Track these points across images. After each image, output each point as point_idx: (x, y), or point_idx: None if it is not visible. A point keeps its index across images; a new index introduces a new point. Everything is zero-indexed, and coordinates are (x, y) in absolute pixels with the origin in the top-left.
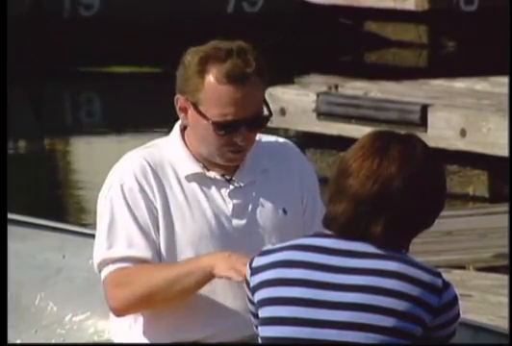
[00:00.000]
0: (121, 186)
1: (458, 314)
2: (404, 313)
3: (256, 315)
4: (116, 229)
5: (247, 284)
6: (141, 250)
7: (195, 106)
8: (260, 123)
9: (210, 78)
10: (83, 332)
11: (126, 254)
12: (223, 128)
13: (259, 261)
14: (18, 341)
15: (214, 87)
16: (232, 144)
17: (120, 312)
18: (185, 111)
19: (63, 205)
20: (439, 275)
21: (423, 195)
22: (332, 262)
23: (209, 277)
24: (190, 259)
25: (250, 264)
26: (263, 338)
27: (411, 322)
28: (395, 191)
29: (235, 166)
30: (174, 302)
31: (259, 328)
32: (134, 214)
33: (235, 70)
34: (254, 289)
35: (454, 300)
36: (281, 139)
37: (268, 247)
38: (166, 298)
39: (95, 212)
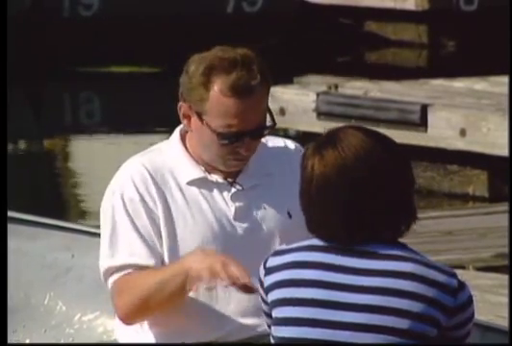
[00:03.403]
0: (122, 196)
1: (473, 314)
2: (419, 315)
3: (269, 315)
4: (118, 238)
5: (261, 284)
6: (143, 258)
7: (199, 115)
8: (263, 133)
9: (215, 89)
10: (92, 331)
11: (128, 262)
12: (227, 138)
13: (273, 262)
14: (28, 341)
15: (218, 99)
16: (235, 153)
17: (127, 320)
18: (188, 118)
19: (62, 205)
20: (454, 275)
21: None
22: (346, 263)
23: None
24: (179, 259)
25: (264, 264)
26: (276, 338)
27: (426, 323)
28: (354, 182)
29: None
30: (170, 305)
31: (272, 328)
32: (135, 224)
33: (240, 83)
34: (268, 290)
35: (469, 300)
36: (286, 141)
37: (282, 247)
38: (161, 301)
39: (95, 212)
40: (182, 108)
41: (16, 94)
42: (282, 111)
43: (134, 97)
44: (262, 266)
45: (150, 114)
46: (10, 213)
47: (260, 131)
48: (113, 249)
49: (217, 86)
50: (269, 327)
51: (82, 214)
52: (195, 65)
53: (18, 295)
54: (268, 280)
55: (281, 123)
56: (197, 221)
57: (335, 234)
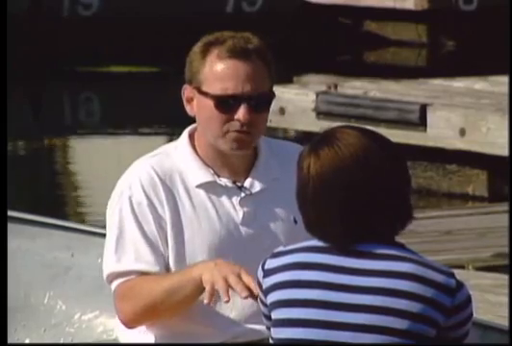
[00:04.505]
0: (130, 199)
1: (471, 314)
2: (418, 315)
3: (268, 317)
4: (125, 243)
5: (260, 285)
6: (149, 264)
7: (199, 89)
8: (262, 103)
9: (212, 56)
10: (92, 330)
11: (134, 267)
12: (224, 102)
13: (271, 264)
14: (27, 340)
15: (215, 63)
16: (234, 122)
17: (129, 325)
18: (191, 101)
19: (62, 204)
20: (452, 275)
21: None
22: (345, 264)
23: (201, 287)
24: (188, 268)
25: (263, 266)
26: (276, 340)
27: (425, 324)
28: (350, 184)
29: (246, 173)
30: (178, 311)
31: (272, 329)
32: (143, 229)
33: (236, 46)
34: (267, 291)
35: (468, 300)
36: (290, 144)
37: (281, 249)
38: (168, 308)
39: (95, 212)
40: (185, 91)
41: (16, 94)
42: (282, 111)
43: (134, 97)
44: (260, 268)
45: (150, 114)
46: (10, 213)
47: (257, 100)
48: (119, 253)
49: (214, 53)
50: (269, 329)
51: (82, 214)
52: (196, 45)
53: (18, 294)
54: (268, 281)
55: (280, 123)
56: (204, 226)
57: (332, 235)
